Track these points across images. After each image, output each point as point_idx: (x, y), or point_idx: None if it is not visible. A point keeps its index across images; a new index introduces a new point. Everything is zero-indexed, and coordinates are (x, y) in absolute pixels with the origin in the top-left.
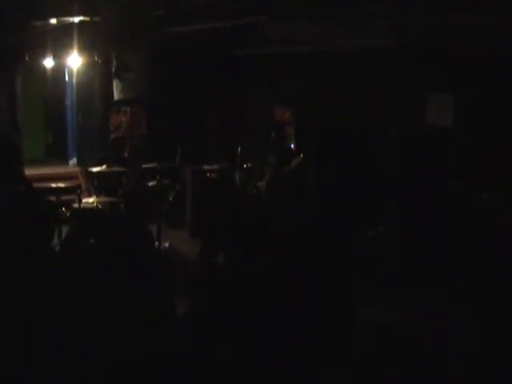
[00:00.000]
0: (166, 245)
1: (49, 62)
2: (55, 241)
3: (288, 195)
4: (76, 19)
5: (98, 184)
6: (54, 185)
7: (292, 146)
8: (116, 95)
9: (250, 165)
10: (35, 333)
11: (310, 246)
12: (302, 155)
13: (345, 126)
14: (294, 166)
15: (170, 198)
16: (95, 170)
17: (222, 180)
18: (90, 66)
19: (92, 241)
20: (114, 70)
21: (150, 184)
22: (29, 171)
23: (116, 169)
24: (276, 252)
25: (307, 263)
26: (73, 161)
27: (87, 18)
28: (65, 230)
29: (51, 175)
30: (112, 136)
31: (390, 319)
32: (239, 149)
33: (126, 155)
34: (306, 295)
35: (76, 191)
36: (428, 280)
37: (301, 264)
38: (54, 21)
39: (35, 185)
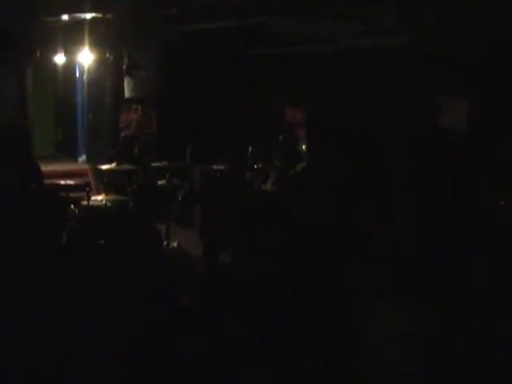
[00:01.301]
0: (175, 244)
1: (60, 59)
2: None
3: (293, 199)
4: (88, 15)
5: (107, 182)
6: (62, 182)
7: (303, 147)
8: (127, 93)
9: (260, 165)
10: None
11: (321, 248)
12: (306, 159)
13: (358, 128)
14: (299, 169)
15: (180, 198)
16: (105, 167)
17: (232, 180)
18: (101, 63)
19: (101, 241)
20: (125, 67)
21: (160, 183)
22: None
23: (125, 167)
24: (286, 253)
25: (316, 265)
26: (82, 158)
27: (99, 15)
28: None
29: (60, 172)
30: (122, 134)
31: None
32: (249, 149)
33: (135, 153)
34: (313, 298)
35: (85, 189)
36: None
37: (310, 266)
38: (65, 17)
39: (45, 182)
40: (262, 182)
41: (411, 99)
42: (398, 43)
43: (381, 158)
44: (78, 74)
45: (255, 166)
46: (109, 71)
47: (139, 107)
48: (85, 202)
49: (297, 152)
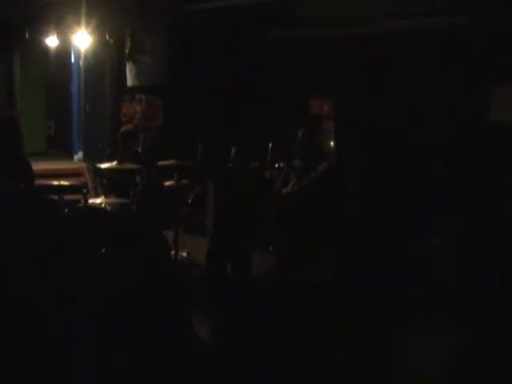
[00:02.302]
0: (184, 254)
1: (52, 41)
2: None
3: (315, 205)
4: None
5: (107, 183)
6: (56, 182)
7: (331, 143)
8: (129, 81)
9: (282, 164)
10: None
11: (351, 258)
12: (335, 160)
13: (393, 121)
14: (319, 171)
15: (189, 201)
16: (104, 166)
17: (249, 181)
18: (99, 47)
19: (103, 249)
20: (127, 51)
21: (167, 184)
22: None
23: (128, 166)
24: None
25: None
26: (78, 155)
27: None
28: None
29: (53, 171)
30: (124, 128)
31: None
32: (270, 145)
33: (139, 150)
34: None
35: (82, 190)
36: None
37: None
38: None
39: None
40: (282, 185)
41: (458, 89)
42: (444, 25)
43: (421, 155)
44: (73, 59)
45: (276, 165)
46: (109, 56)
47: (143, 97)
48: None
49: (319, 149)
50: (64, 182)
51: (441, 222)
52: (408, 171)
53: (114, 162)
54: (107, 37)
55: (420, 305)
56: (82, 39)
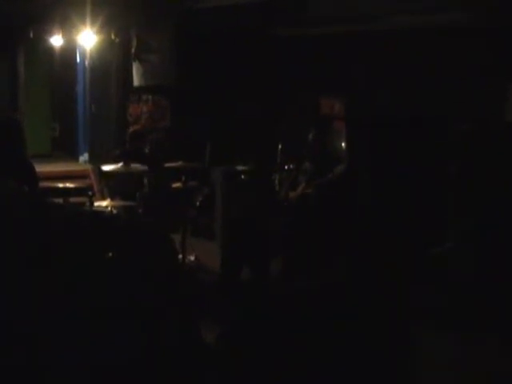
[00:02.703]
0: (192, 258)
1: (57, 41)
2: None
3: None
4: None
5: (113, 185)
6: (61, 185)
7: (343, 144)
8: (136, 81)
9: (292, 166)
10: None
11: (364, 264)
12: (347, 162)
13: (407, 122)
14: (337, 173)
15: (197, 203)
16: (110, 168)
17: (257, 184)
18: (105, 46)
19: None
20: (133, 50)
21: (174, 186)
22: None
23: (134, 168)
24: (327, 272)
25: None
26: (84, 157)
27: None
28: None
29: (58, 173)
30: (133, 128)
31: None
32: (279, 147)
33: (146, 152)
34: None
35: (87, 193)
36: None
37: (350, 285)
38: None
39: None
40: (290, 188)
41: (472, 87)
42: (457, 21)
43: (435, 155)
44: (78, 59)
45: (286, 167)
46: (115, 56)
47: (150, 98)
48: (87, 209)
49: (331, 151)
50: (69, 185)
51: (455, 224)
52: (421, 172)
53: (120, 164)
54: (113, 36)
55: (439, 309)
56: (88, 38)
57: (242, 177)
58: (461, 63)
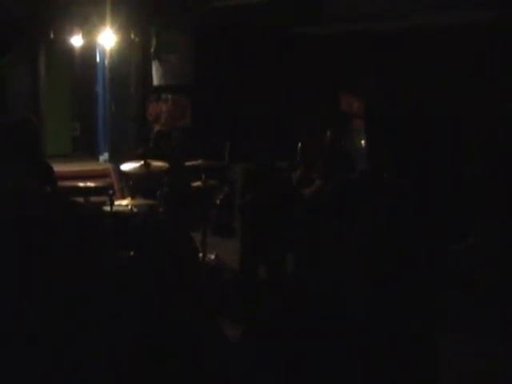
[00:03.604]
0: (212, 256)
1: (77, 41)
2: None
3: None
4: None
5: (134, 184)
6: (81, 184)
7: (362, 142)
8: (155, 80)
9: (308, 163)
10: None
11: (385, 263)
12: (368, 161)
13: (428, 120)
14: (359, 171)
15: (217, 202)
16: (130, 167)
17: (278, 181)
18: (125, 46)
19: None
20: (153, 50)
21: (194, 185)
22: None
23: (154, 166)
24: (348, 268)
25: (380, 281)
26: (104, 156)
27: None
28: None
29: (79, 173)
30: (158, 128)
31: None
32: (299, 145)
33: (166, 151)
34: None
35: (107, 192)
36: None
37: (373, 283)
38: None
39: (60, 184)
40: (301, 185)
41: (497, 86)
42: (481, 19)
43: (457, 154)
44: (98, 59)
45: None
46: (134, 55)
47: (170, 97)
48: (107, 208)
49: (348, 151)
50: (90, 184)
51: (478, 222)
52: (443, 170)
53: (140, 163)
54: (132, 36)
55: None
56: (108, 38)
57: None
58: (484, 63)
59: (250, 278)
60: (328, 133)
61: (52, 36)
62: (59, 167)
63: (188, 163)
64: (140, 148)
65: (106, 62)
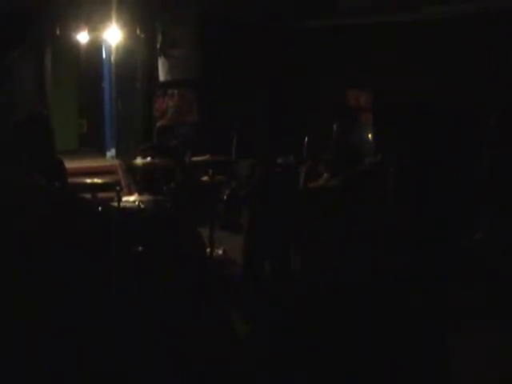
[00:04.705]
0: (220, 251)
1: (83, 36)
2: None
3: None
4: None
5: (141, 180)
6: (88, 180)
7: (370, 136)
8: (161, 76)
9: (314, 156)
10: None
11: (397, 255)
12: (375, 154)
13: (436, 113)
14: (370, 164)
15: (225, 197)
16: (137, 163)
17: (285, 176)
18: (131, 41)
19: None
20: (159, 45)
21: (201, 180)
22: None
23: (161, 162)
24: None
25: (394, 275)
26: (111, 152)
27: None
28: None
29: (85, 169)
30: (159, 123)
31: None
32: (306, 139)
33: (172, 146)
34: (393, 313)
35: (115, 188)
36: None
37: (386, 276)
38: None
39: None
40: (307, 179)
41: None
42: (488, 9)
43: (463, 147)
44: (104, 55)
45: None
46: (140, 51)
47: (176, 92)
48: (115, 204)
49: (355, 144)
50: (97, 180)
51: (487, 215)
52: (450, 164)
53: (147, 159)
54: (138, 31)
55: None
56: (113, 34)
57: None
58: (492, 53)
59: (255, 274)
60: (334, 126)
61: (58, 32)
62: (66, 163)
63: (195, 158)
64: (142, 144)
65: (112, 58)
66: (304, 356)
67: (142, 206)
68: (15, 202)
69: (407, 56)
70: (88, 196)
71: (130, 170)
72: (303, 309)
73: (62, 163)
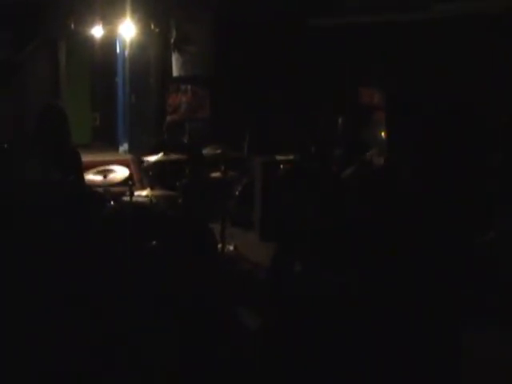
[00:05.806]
0: (231, 248)
1: (97, 31)
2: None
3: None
4: None
5: (153, 175)
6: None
7: (383, 134)
8: (175, 71)
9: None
10: None
11: (407, 255)
12: (388, 152)
13: (449, 111)
14: (385, 161)
15: (236, 193)
16: (149, 158)
17: (298, 173)
18: (145, 37)
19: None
20: (172, 41)
21: (213, 175)
22: None
23: (174, 157)
24: (368, 264)
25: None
26: (123, 147)
27: None
28: None
29: (98, 163)
30: (169, 118)
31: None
32: (340, 121)
33: (185, 141)
34: (400, 316)
35: (127, 182)
36: None
37: (394, 279)
38: None
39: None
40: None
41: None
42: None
43: (476, 145)
44: (118, 50)
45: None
46: (154, 46)
47: (189, 88)
48: (127, 198)
49: (363, 141)
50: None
51: (499, 216)
52: (464, 162)
53: (160, 154)
54: (152, 26)
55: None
56: (128, 29)
57: (281, 166)
58: (503, 51)
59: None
60: (340, 120)
61: (73, 27)
62: None
63: (207, 154)
64: (155, 139)
65: (126, 52)
66: (314, 355)
67: (154, 200)
68: (29, 201)
69: (420, 54)
70: (100, 190)
71: (143, 164)
72: (319, 308)
73: (77, 153)
